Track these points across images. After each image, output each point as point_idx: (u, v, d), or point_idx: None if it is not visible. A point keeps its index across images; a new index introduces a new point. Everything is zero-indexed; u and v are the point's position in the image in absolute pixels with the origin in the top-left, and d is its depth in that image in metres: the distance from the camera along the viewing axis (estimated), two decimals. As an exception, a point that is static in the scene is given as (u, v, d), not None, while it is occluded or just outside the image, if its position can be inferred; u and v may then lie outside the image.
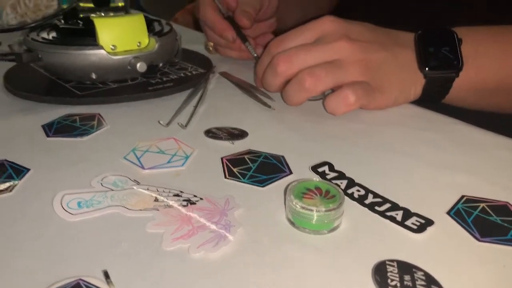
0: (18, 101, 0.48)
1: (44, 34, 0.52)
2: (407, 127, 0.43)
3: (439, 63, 0.44)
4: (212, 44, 0.65)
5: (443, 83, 0.46)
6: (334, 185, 0.30)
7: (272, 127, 0.43)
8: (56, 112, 0.44)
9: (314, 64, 0.44)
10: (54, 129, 0.41)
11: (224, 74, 0.57)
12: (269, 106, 0.47)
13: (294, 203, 0.28)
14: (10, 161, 0.35)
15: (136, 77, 0.52)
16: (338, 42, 0.44)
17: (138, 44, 0.50)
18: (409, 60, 0.45)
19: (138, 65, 0.47)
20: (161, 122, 0.42)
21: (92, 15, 0.51)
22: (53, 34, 0.52)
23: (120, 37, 0.48)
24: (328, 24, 0.45)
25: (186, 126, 0.42)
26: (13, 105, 0.47)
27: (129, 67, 0.48)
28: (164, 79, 0.52)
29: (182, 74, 0.54)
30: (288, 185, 0.30)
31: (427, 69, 0.44)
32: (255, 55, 0.57)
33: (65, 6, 0.55)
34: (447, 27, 0.46)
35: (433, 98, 0.47)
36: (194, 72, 0.56)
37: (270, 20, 0.66)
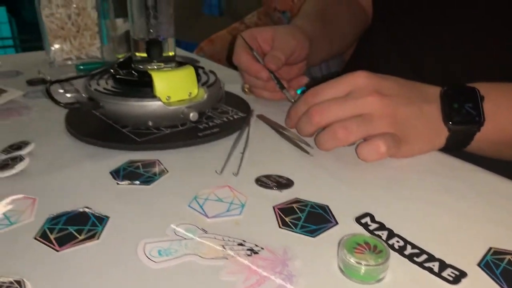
0: (81, 145, 0.53)
1: (103, 83, 0.57)
2: (433, 174, 0.48)
3: (463, 118, 0.49)
4: (248, 86, 0.70)
5: (465, 136, 0.50)
6: (381, 240, 0.35)
7: (313, 173, 0.48)
8: (119, 158, 0.50)
9: (346, 117, 0.49)
10: (122, 175, 0.46)
11: (261, 117, 0.62)
12: (307, 152, 0.52)
13: (347, 257, 0.32)
14: (90, 209, 0.40)
15: (186, 123, 0.57)
16: (369, 97, 0.49)
17: (189, 94, 0.55)
18: (434, 114, 0.50)
19: (191, 115, 0.53)
20: (217, 171, 0.47)
21: (148, 66, 0.57)
22: (111, 84, 0.57)
23: (174, 89, 0.54)
24: (360, 80, 0.50)
25: (237, 174, 0.47)
26: (78, 149, 0.52)
27: (181, 116, 0.54)
28: (210, 123, 0.58)
29: (225, 119, 0.60)
30: (341, 239, 0.35)
31: (451, 123, 0.49)
32: (293, 100, 0.62)
33: (120, 56, 0.61)
34: (470, 85, 0.51)
35: (455, 148, 0.52)
36: (235, 116, 0.61)
37: (301, 63, 0.71)
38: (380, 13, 0.83)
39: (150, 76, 0.53)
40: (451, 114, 0.49)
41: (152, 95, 0.53)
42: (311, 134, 0.53)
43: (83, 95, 0.56)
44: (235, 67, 0.72)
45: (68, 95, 0.65)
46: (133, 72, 0.57)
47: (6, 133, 0.57)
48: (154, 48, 0.56)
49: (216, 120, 0.59)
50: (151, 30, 0.55)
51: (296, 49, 0.67)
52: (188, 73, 0.55)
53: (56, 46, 0.86)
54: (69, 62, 0.87)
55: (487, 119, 0.49)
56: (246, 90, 0.71)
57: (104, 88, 0.55)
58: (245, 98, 0.69)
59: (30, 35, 3.68)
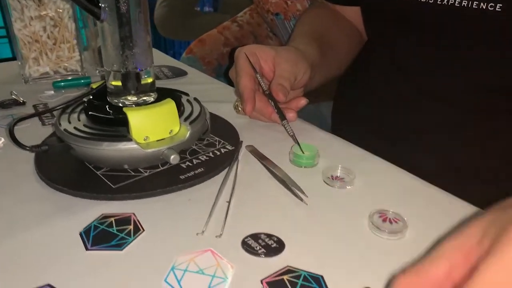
0: (51, 194, 0.48)
1: (75, 119, 0.52)
2: (436, 230, 0.43)
3: None
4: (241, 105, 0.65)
5: None
6: None
7: (308, 229, 0.43)
8: (91, 211, 0.44)
9: None
10: (92, 237, 0.41)
11: (252, 150, 0.57)
12: (301, 199, 0.47)
13: None
14: (53, 287, 0.36)
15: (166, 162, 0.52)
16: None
17: (170, 132, 0.50)
18: None
19: (172, 157, 0.47)
20: (198, 233, 0.42)
21: (124, 101, 0.51)
22: (84, 121, 0.51)
23: (152, 128, 0.48)
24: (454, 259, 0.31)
25: (221, 236, 0.42)
26: (47, 200, 0.47)
27: (161, 157, 0.48)
28: (194, 161, 0.53)
29: (211, 154, 0.55)
30: None
31: None
32: (292, 134, 0.57)
33: (94, 85, 0.55)
34: None
35: None
36: (222, 150, 0.56)
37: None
38: (374, 33, 0.78)
39: (125, 114, 0.48)
40: None
41: (128, 137, 0.48)
42: None
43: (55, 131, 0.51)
44: (230, 81, 0.68)
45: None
46: (108, 107, 0.52)
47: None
48: (130, 81, 0.50)
49: (201, 157, 0.54)
50: (127, 62, 0.49)
51: (298, 76, 0.63)
52: (168, 108, 0.50)
53: (31, 61, 0.80)
54: (45, 80, 0.81)
55: None
56: (240, 109, 0.66)
57: (75, 128, 0.49)
58: (234, 122, 0.64)
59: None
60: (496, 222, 0.30)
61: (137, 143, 0.47)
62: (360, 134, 0.66)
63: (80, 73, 0.84)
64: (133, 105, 0.51)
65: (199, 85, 0.85)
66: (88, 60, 0.91)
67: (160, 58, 1.03)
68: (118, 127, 0.49)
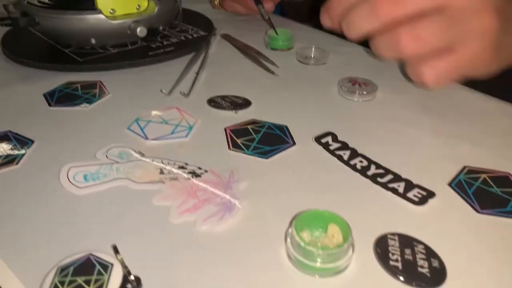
0: (17, 67, 0.47)
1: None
2: (406, 94, 0.43)
3: None
4: None
5: None
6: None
7: (276, 94, 0.43)
8: (56, 79, 0.44)
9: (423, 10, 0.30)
10: (56, 97, 0.41)
11: (226, 37, 0.56)
12: (273, 72, 0.47)
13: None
14: (14, 133, 0.35)
15: (136, 41, 0.50)
16: None
17: (138, 7, 0.48)
18: None
19: (138, 29, 0.46)
20: (163, 91, 0.41)
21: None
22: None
23: (119, 1, 0.47)
24: None
25: (188, 95, 0.41)
26: (12, 71, 0.46)
27: (129, 32, 0.47)
28: (165, 42, 0.51)
29: (182, 37, 0.53)
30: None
31: None
32: (267, 17, 0.56)
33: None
34: None
35: None
36: (195, 35, 0.54)
37: None
38: None
39: (90, -14, 0.46)
40: None
41: (93, 8, 0.46)
42: (365, 33, 0.33)
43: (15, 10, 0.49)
44: None
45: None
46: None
47: None
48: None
49: (172, 39, 0.52)
50: None
51: None
52: (135, -18, 0.48)
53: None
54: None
55: None
56: (216, 2, 0.64)
57: (40, 1, 0.48)
58: (211, 17, 0.62)
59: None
60: None
61: (103, 14, 0.46)
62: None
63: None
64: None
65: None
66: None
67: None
68: (85, 0, 0.47)
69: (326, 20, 0.36)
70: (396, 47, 0.31)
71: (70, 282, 0.22)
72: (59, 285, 0.22)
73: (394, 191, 0.30)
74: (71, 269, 0.23)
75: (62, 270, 0.23)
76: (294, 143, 0.35)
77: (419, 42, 0.31)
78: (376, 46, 0.33)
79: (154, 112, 0.38)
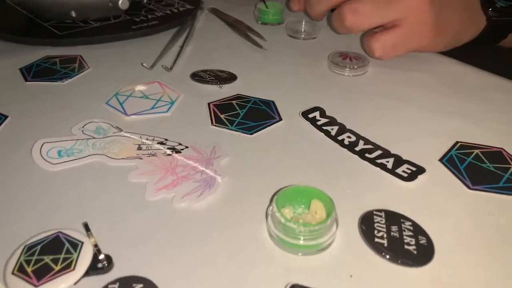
0: (-6, 41, 0.45)
1: (17, -33, 0.48)
2: (398, 69, 0.41)
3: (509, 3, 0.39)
4: None
5: (505, 27, 0.41)
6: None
7: (263, 69, 0.41)
8: (35, 54, 0.42)
9: None
10: (33, 72, 0.39)
11: (214, 11, 0.54)
12: (261, 47, 0.45)
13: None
14: (-14, 108, 0.34)
15: (119, 15, 0.48)
16: None
17: (119, -22, 0.46)
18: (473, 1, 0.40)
19: (120, 2, 0.44)
20: (144, 64, 0.40)
21: None
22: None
23: (99, -29, 0.45)
24: None
25: (171, 68, 0.40)
26: (-11, 46, 0.44)
27: (110, 4, 0.45)
28: (149, 16, 0.49)
29: (168, 11, 0.51)
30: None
31: (491, 10, 0.40)
32: None
33: None
34: None
35: (485, 43, 0.43)
36: (181, 9, 0.52)
37: None
38: None
39: (69, -45, 0.44)
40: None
41: (72, -22, 0.44)
42: (323, 12, 0.44)
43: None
44: None
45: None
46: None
47: None
48: None
49: (157, 13, 0.50)
50: None
51: None
52: (116, -48, 0.46)
53: None
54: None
55: None
56: None
57: (16, -28, 0.46)
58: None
59: None
60: None
61: (82, -16, 0.44)
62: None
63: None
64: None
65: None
66: None
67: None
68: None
69: (294, 3, 0.48)
70: (341, 21, 0.39)
71: (37, 261, 0.21)
72: (24, 264, 0.21)
73: (383, 167, 0.29)
74: (39, 247, 0.22)
75: (29, 248, 0.22)
76: (280, 119, 0.33)
77: (357, 15, 0.38)
78: (331, 21, 0.41)
79: (134, 87, 0.37)
